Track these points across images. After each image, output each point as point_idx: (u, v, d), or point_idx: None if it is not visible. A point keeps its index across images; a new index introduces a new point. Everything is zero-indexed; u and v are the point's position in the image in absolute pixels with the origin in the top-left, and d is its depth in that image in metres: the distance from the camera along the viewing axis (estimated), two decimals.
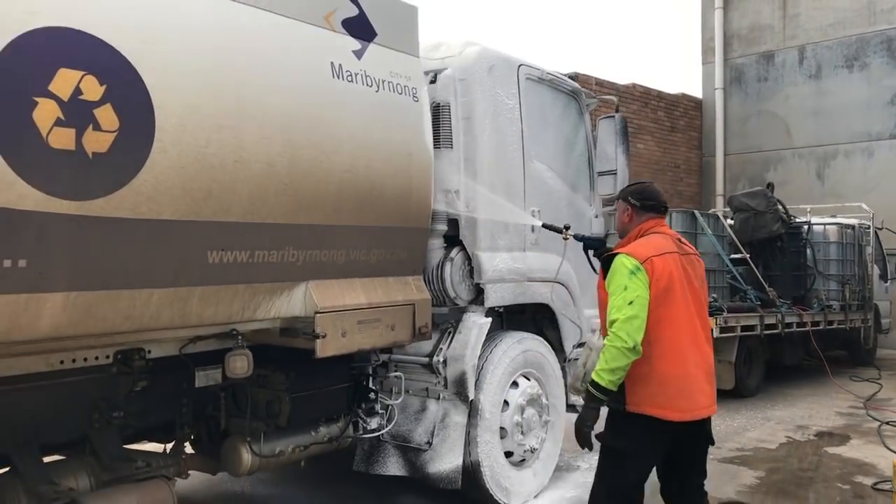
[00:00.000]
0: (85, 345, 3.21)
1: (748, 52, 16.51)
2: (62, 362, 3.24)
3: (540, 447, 5.22)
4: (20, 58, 2.59)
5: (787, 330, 9.34)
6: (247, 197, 3.35)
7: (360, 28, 3.99)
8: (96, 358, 3.36)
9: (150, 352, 3.60)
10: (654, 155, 15.29)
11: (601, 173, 5.90)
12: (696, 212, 9.50)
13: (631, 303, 3.18)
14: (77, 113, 2.73)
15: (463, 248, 4.80)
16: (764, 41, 16.31)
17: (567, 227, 4.31)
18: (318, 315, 3.74)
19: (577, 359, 3.63)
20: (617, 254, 3.39)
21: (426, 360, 4.77)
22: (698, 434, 3.44)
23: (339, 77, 3.81)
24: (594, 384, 3.23)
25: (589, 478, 5.53)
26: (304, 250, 3.67)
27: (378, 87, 4.02)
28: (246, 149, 3.34)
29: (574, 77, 6.64)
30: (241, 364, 3.51)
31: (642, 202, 3.57)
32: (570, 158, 5.81)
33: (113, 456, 3.47)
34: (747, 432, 7.47)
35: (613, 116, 5.74)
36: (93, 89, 2.78)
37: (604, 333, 3.38)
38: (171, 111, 3.02)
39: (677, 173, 16.00)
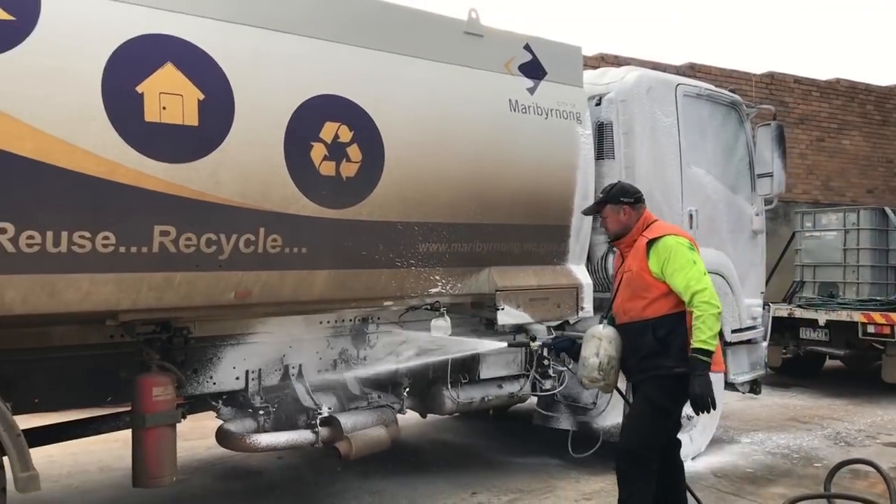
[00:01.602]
0: (338, 307, 4.65)
1: None
2: (326, 322, 4.75)
3: (696, 416, 6.00)
4: (304, 115, 4.01)
5: None
6: (445, 204, 4.61)
7: (532, 70, 5.11)
8: (349, 321, 4.83)
9: (378, 318, 5.04)
10: (863, 151, 14.79)
11: (760, 175, 6.54)
12: (888, 209, 9.48)
13: (705, 273, 3.69)
14: (337, 151, 4.12)
15: None
16: None
17: (533, 339, 4.71)
18: (499, 292, 4.92)
19: (595, 353, 3.85)
20: (658, 238, 3.80)
21: None
22: None
23: (515, 110, 4.97)
24: (703, 352, 3.58)
25: (748, 450, 6.25)
26: (487, 243, 4.87)
27: (547, 115, 5.12)
28: (445, 169, 4.59)
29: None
30: (443, 324, 4.78)
31: (634, 197, 3.98)
32: (729, 163, 6.50)
33: (355, 389, 4.88)
34: None
35: (770, 124, 6.37)
36: (346, 134, 4.16)
37: (646, 312, 3.78)
38: (394, 145, 4.34)
39: (890, 168, 15.30)
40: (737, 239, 6.47)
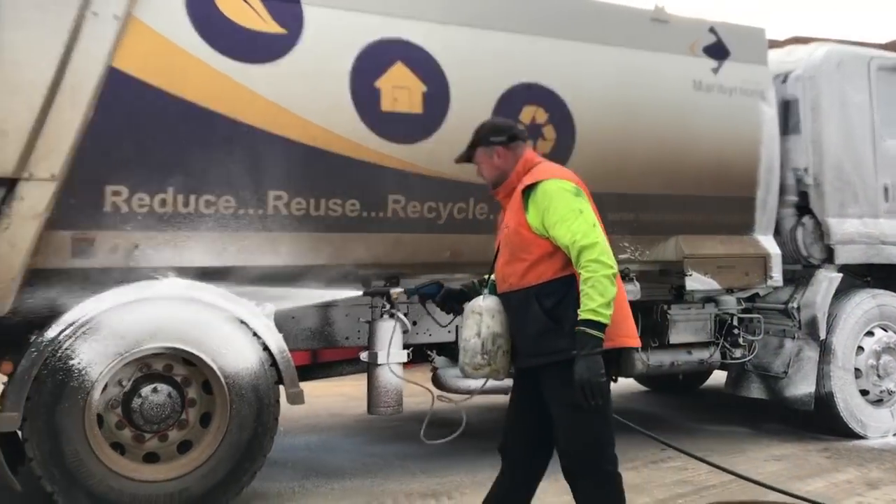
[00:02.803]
0: None
1: None
2: None
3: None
4: (507, 100, 4.65)
5: None
6: (634, 177, 5.06)
7: (717, 51, 5.43)
8: None
9: None
10: None
11: None
12: None
13: (594, 225, 2.85)
14: (533, 131, 4.72)
15: (813, 216, 5.84)
16: None
17: (396, 283, 4.06)
18: (686, 259, 5.27)
19: (475, 332, 2.99)
20: (535, 184, 2.92)
21: (783, 306, 5.92)
22: None
23: (699, 89, 5.31)
24: (592, 324, 2.67)
25: None
26: (674, 213, 5.25)
27: (730, 94, 5.40)
28: (632, 145, 5.05)
29: None
30: (633, 289, 5.19)
31: (507, 135, 3.13)
32: None
33: None
34: None
35: None
36: (541, 116, 4.76)
37: (527, 278, 2.90)
38: (585, 125, 4.87)
39: None
40: None
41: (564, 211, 2.84)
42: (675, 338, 5.67)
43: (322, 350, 5.40)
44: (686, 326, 5.73)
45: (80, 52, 3.68)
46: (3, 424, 3.45)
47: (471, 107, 4.56)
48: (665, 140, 5.16)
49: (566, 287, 2.84)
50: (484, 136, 3.17)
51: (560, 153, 4.80)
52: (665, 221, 5.24)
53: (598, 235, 2.82)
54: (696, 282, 5.32)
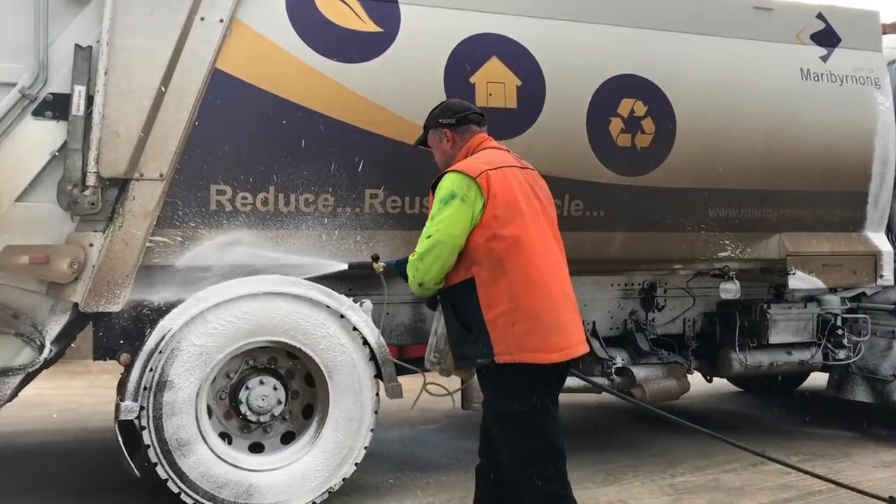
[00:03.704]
0: (629, 268, 5.13)
1: None
2: (618, 284, 5.25)
3: None
4: (604, 94, 4.55)
5: None
6: (735, 171, 4.88)
7: (825, 38, 5.16)
8: (638, 284, 5.29)
9: (666, 283, 5.42)
10: None
11: None
12: None
13: (430, 236, 2.74)
14: (632, 124, 4.61)
15: None
16: None
17: (376, 259, 3.61)
18: (790, 257, 5.06)
19: (434, 329, 3.13)
20: (442, 176, 2.85)
21: (892, 307, 5.63)
22: (563, 382, 2.92)
23: (807, 79, 5.07)
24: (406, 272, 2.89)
25: None
26: (778, 209, 5.04)
27: (841, 82, 5.13)
28: (734, 138, 4.86)
29: None
30: (733, 288, 5.03)
31: (456, 116, 3.03)
32: None
33: (644, 346, 5.31)
34: None
35: None
36: (640, 109, 4.63)
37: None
38: (685, 118, 4.72)
39: None
40: None
41: (434, 208, 2.81)
42: (774, 338, 5.47)
43: (408, 346, 5.44)
44: (787, 326, 5.51)
45: (186, 55, 3.80)
46: (122, 413, 3.62)
47: (566, 101, 4.49)
48: (770, 132, 4.94)
49: (467, 291, 2.74)
50: (433, 118, 3.11)
51: (660, 147, 4.68)
52: (768, 218, 5.04)
53: (428, 246, 2.74)
54: (800, 280, 5.10)
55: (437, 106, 3.17)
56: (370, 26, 4.14)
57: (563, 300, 2.76)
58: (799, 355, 5.59)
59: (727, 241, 4.98)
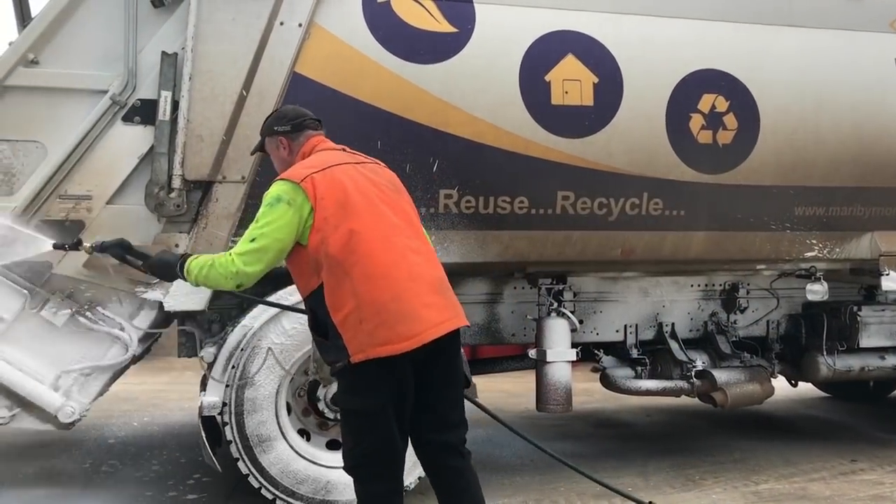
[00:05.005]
0: (709, 269, 4.98)
1: None
2: (698, 285, 5.12)
3: None
4: (684, 90, 4.43)
5: None
6: (823, 168, 4.67)
7: None
8: (719, 285, 5.14)
9: (749, 284, 5.24)
10: None
11: None
12: None
13: (254, 239, 2.68)
14: (713, 120, 4.46)
15: None
16: None
17: (78, 243, 3.40)
18: (882, 257, 4.82)
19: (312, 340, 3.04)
20: (274, 181, 2.81)
21: None
22: (444, 367, 2.78)
23: None
24: (179, 268, 2.83)
25: None
26: (869, 207, 4.80)
27: None
28: (822, 133, 4.65)
29: None
30: (820, 289, 4.83)
31: (291, 123, 2.99)
32: None
33: (726, 348, 5.15)
34: None
35: None
36: (722, 104, 4.48)
37: (300, 292, 2.86)
38: (770, 113, 4.55)
39: None
40: None
41: (259, 214, 2.73)
42: (866, 341, 5.21)
43: (481, 346, 5.43)
44: (879, 329, 5.25)
45: (266, 59, 3.89)
46: (205, 409, 3.73)
47: (645, 97, 4.39)
48: (860, 126, 4.71)
49: (320, 297, 2.68)
50: (268, 126, 3.05)
51: (743, 143, 4.52)
52: (858, 216, 4.80)
53: (250, 248, 2.67)
54: (894, 282, 4.85)
55: (272, 113, 3.17)
56: (445, 27, 4.14)
57: (411, 286, 2.66)
58: (893, 360, 5.32)
59: (814, 241, 4.78)
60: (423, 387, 2.72)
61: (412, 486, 4.01)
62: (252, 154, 3.41)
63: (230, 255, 2.70)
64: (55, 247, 3.46)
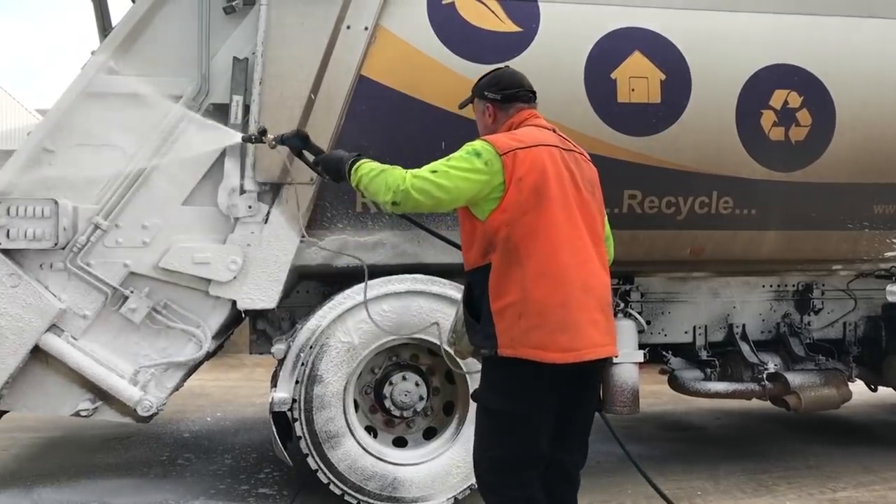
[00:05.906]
0: (782, 269, 4.84)
1: None
2: (770, 286, 4.98)
3: None
4: (754, 85, 4.31)
5: None
6: None
7: None
8: (792, 286, 5.00)
9: (824, 284, 5.08)
10: None
11: None
12: None
13: (436, 171, 2.53)
14: (786, 117, 4.34)
15: None
16: None
17: (263, 133, 3.51)
18: None
19: (456, 309, 2.92)
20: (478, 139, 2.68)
21: None
22: (584, 388, 2.60)
23: None
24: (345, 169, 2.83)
25: None
26: None
27: None
28: None
29: None
30: None
31: (503, 93, 2.79)
32: None
33: (800, 351, 4.99)
34: None
35: None
36: (795, 100, 4.35)
37: (466, 265, 2.69)
38: (847, 108, 4.39)
39: None
40: None
41: (456, 153, 2.59)
42: None
43: None
44: None
45: (334, 63, 3.95)
46: (275, 405, 3.83)
47: (714, 94, 4.30)
48: None
49: (484, 278, 2.53)
50: (480, 87, 2.87)
51: (817, 140, 4.39)
52: None
53: (430, 180, 2.50)
54: None
55: (487, 74, 2.91)
56: (509, 26, 4.14)
57: (582, 298, 2.47)
58: None
59: (895, 240, 4.59)
60: (561, 404, 2.55)
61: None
62: (460, 108, 3.11)
63: (406, 171, 2.57)
64: (244, 139, 3.72)
